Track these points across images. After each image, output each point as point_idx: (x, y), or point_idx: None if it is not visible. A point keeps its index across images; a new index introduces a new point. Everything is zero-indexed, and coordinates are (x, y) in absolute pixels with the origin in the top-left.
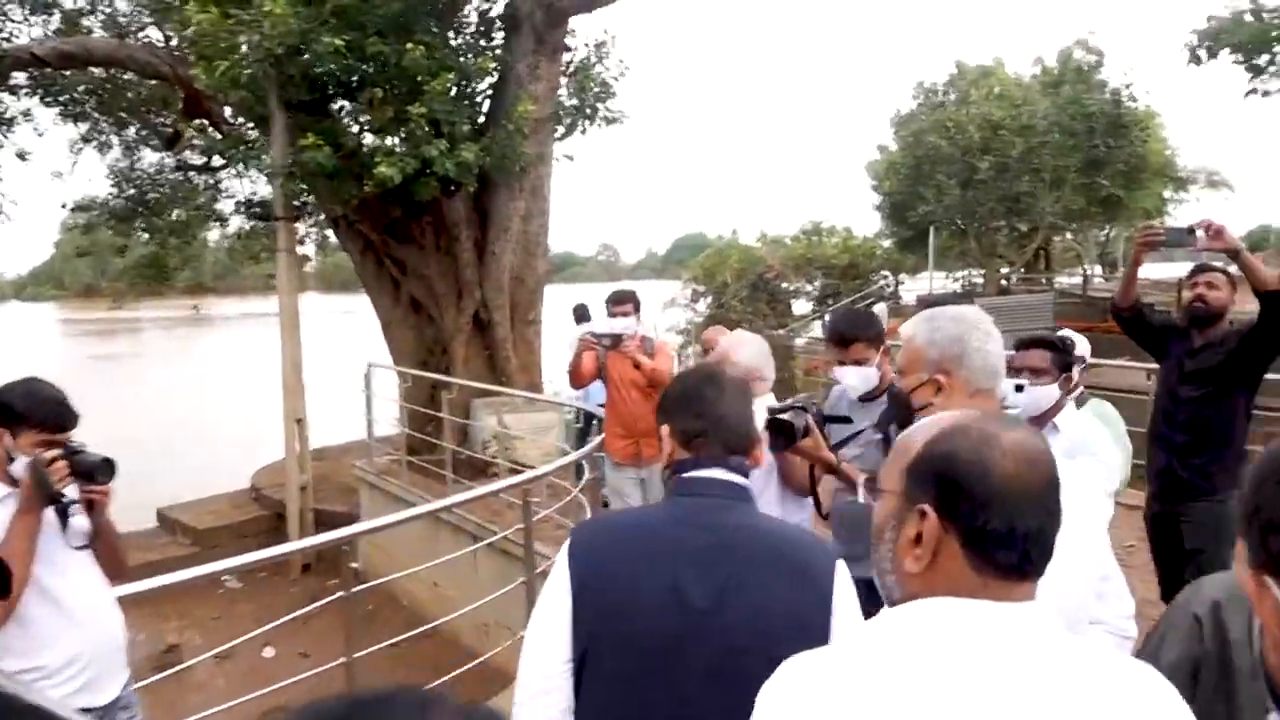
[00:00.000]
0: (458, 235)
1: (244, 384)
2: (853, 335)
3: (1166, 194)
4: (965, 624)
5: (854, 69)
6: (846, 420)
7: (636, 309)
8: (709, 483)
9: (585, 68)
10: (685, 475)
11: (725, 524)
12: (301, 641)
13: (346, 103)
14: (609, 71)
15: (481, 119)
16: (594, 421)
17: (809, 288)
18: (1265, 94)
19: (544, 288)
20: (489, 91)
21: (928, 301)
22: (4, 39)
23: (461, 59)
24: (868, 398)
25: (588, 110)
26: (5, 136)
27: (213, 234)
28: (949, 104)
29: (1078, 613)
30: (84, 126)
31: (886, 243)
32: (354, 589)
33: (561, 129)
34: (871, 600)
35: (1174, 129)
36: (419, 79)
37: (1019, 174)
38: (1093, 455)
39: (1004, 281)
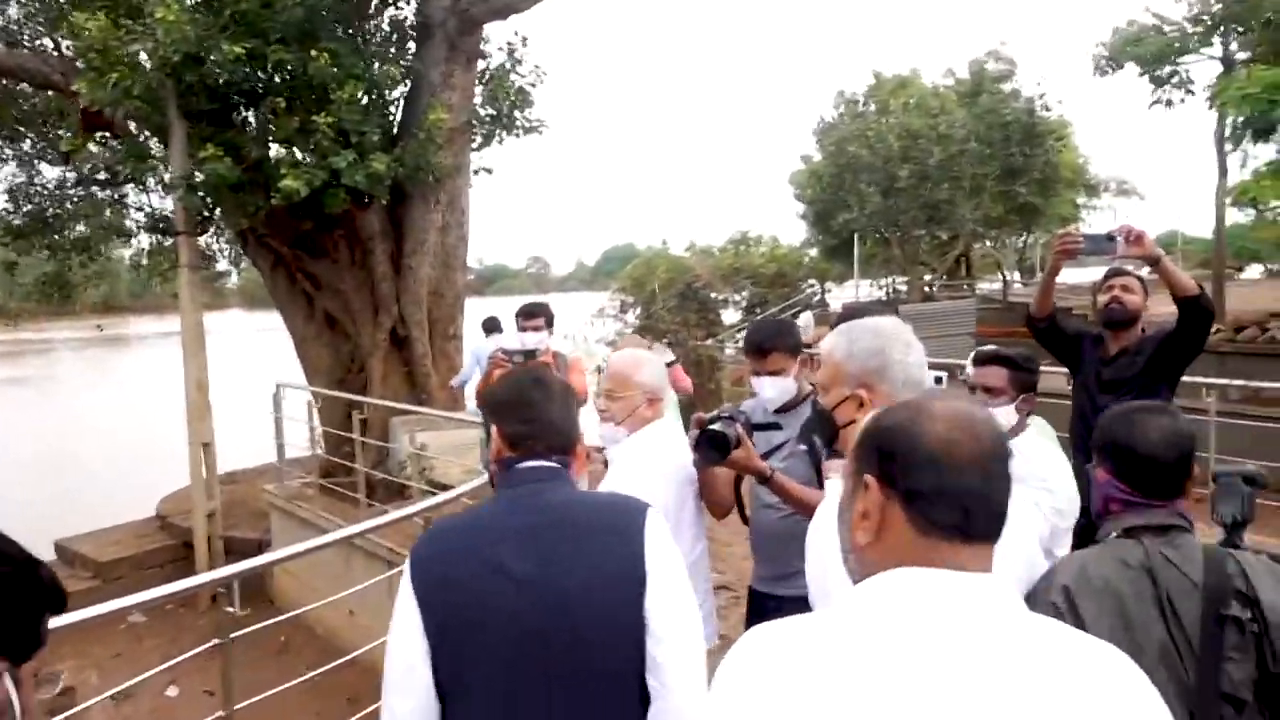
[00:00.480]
0: (372, 249)
1: (154, 406)
2: (769, 346)
3: (1080, 201)
4: (920, 597)
5: (779, 78)
6: (777, 427)
7: (549, 324)
8: (529, 470)
9: (500, 75)
10: (510, 470)
11: (546, 503)
12: (209, 679)
13: (250, 113)
14: (525, 79)
15: (395, 129)
16: None
17: (737, 297)
18: (1169, 104)
19: (464, 301)
20: (401, 101)
21: (851, 309)
22: None
23: (370, 67)
24: (786, 408)
25: (504, 119)
26: None
27: (127, 251)
28: (869, 114)
29: None
30: None
31: (813, 251)
32: (243, 627)
33: (479, 139)
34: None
35: (1085, 138)
36: (326, 88)
37: (939, 182)
38: (1043, 487)
39: (927, 289)
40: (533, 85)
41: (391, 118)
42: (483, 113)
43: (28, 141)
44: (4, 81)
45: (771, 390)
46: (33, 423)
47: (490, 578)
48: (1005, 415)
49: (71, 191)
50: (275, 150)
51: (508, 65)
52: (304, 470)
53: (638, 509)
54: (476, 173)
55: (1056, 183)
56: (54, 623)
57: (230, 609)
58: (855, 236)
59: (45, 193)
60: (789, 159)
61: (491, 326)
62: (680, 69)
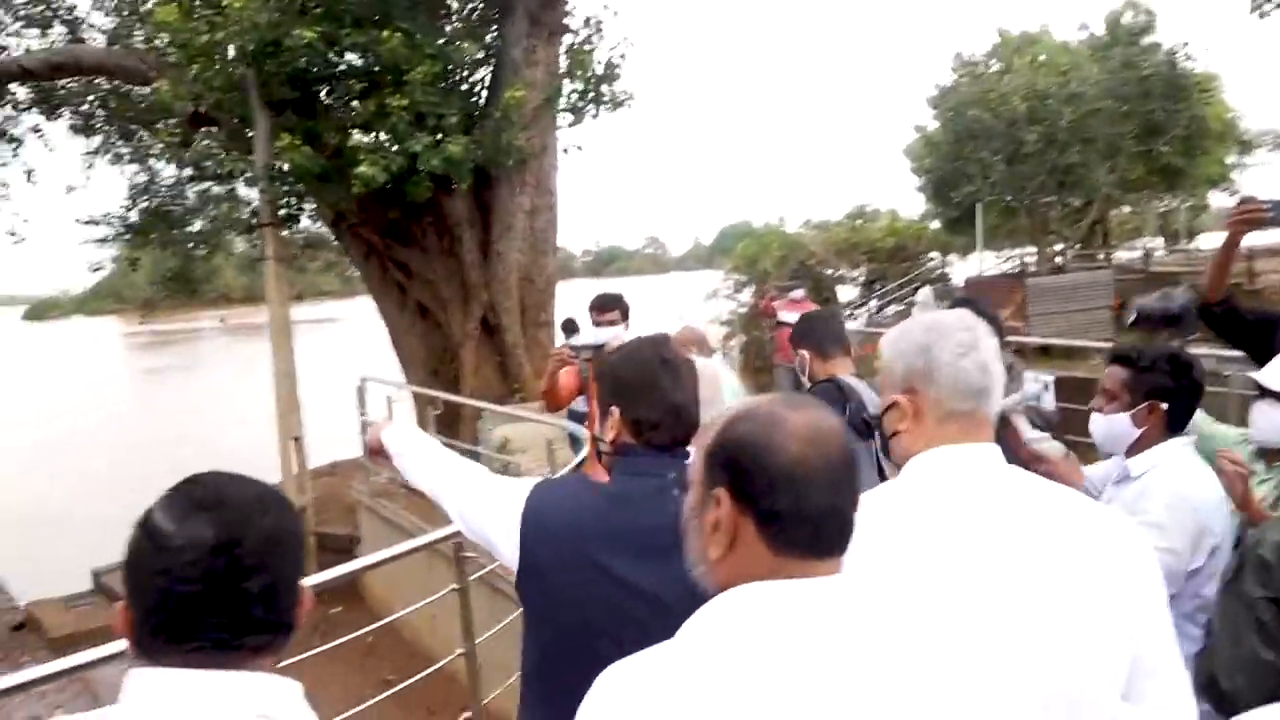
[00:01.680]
0: (460, 235)
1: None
2: (795, 338)
3: (1230, 159)
4: (771, 605)
5: (894, 46)
6: None
7: (624, 316)
8: (653, 462)
9: (582, 50)
10: (629, 457)
11: (667, 504)
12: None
13: (330, 100)
14: (613, 52)
15: (478, 111)
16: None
17: (854, 273)
18: None
19: (555, 286)
20: (484, 81)
21: (974, 283)
22: None
23: (447, 46)
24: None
25: (590, 94)
26: (14, 154)
27: (242, 244)
28: (990, 75)
29: (1090, 711)
30: (96, 140)
31: (934, 224)
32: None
33: (569, 116)
34: None
35: (1237, 89)
36: (400, 69)
37: (1069, 144)
38: (1151, 523)
39: (1059, 259)
40: (622, 58)
41: (475, 99)
42: (567, 88)
43: (144, 138)
44: (114, 81)
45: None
46: (170, 411)
47: (598, 582)
48: (1114, 426)
49: (187, 187)
50: (356, 137)
51: (592, 39)
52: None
53: None
54: (565, 151)
55: (1203, 140)
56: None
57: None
58: (978, 206)
59: (164, 189)
60: (905, 130)
61: (570, 329)
62: (796, 42)
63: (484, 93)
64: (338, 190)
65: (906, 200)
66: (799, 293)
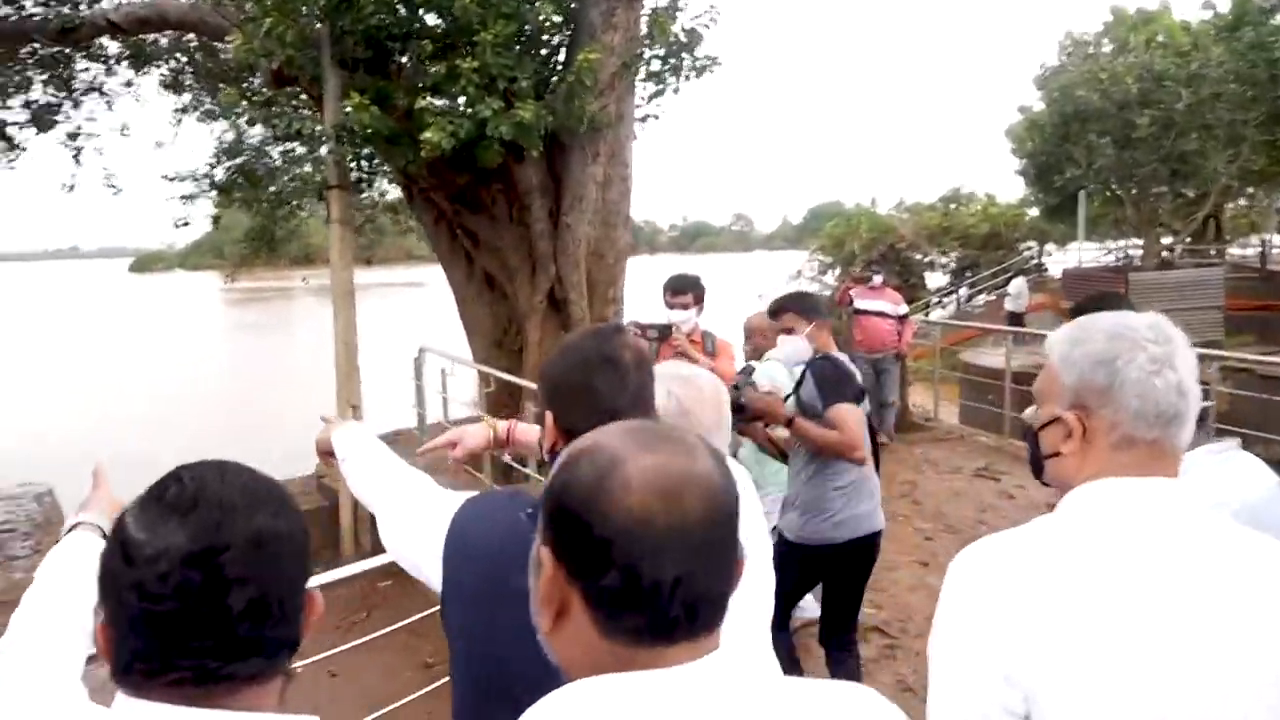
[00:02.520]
0: (530, 205)
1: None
2: (781, 307)
3: None
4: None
5: (1000, 22)
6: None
7: (698, 300)
8: None
9: (663, 15)
10: None
11: None
12: (335, 659)
13: (402, 59)
14: (698, 19)
15: (555, 76)
16: None
17: (945, 259)
18: None
19: (626, 262)
20: (560, 44)
21: (1074, 275)
22: (82, 5)
23: (522, 6)
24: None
25: (671, 61)
26: (110, 108)
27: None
28: (1102, 55)
29: None
30: (186, 96)
31: (1032, 211)
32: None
33: (650, 85)
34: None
35: None
36: (474, 29)
37: (1186, 130)
38: None
39: (1166, 253)
40: (707, 25)
41: (550, 63)
42: (647, 54)
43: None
44: (202, 36)
45: (786, 348)
46: (258, 367)
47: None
48: None
49: (271, 147)
50: (425, 100)
51: (677, 2)
52: None
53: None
54: (644, 121)
55: None
56: None
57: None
58: (1081, 194)
59: (251, 148)
60: (1007, 110)
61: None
62: (897, 13)
63: (560, 57)
64: (407, 154)
65: (1004, 184)
66: (878, 279)
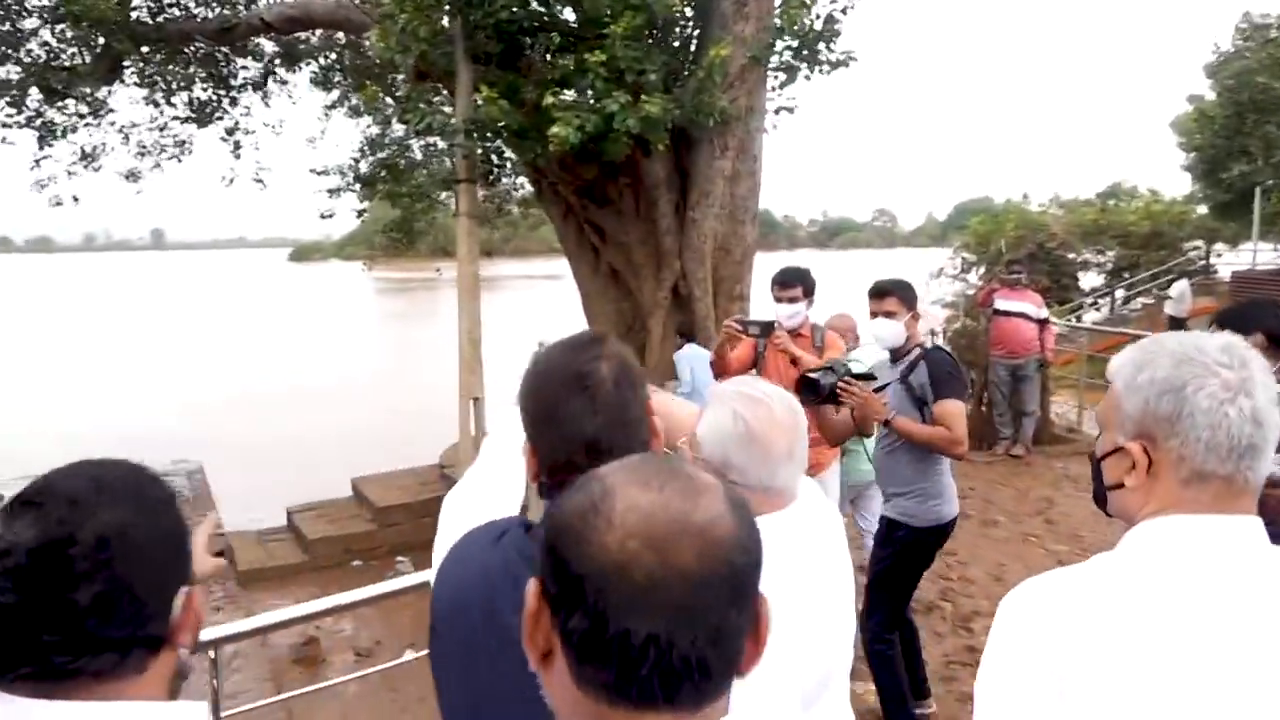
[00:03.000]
0: (656, 199)
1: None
2: (888, 289)
3: None
4: None
5: (1167, 5)
6: (872, 377)
7: (808, 294)
8: None
9: (796, 5)
10: (551, 500)
11: None
12: None
13: (533, 54)
14: (834, 5)
15: (684, 69)
16: None
17: (1101, 259)
18: None
19: (753, 258)
20: (690, 36)
21: (1243, 279)
22: (240, 6)
23: None
24: (895, 355)
25: (805, 53)
26: (265, 104)
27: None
28: None
29: None
30: (335, 93)
31: (1201, 208)
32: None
33: (780, 76)
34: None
35: None
36: (603, 21)
37: None
38: None
39: None
40: (843, 12)
41: (680, 55)
42: (780, 45)
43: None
44: (349, 35)
45: (886, 330)
46: (405, 356)
47: (501, 663)
48: None
49: (413, 141)
50: (553, 96)
51: None
52: None
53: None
54: (778, 112)
55: None
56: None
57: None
58: (1256, 190)
59: (394, 142)
60: (1173, 100)
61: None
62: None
63: (690, 49)
64: (535, 147)
65: (1169, 180)
66: (1020, 280)
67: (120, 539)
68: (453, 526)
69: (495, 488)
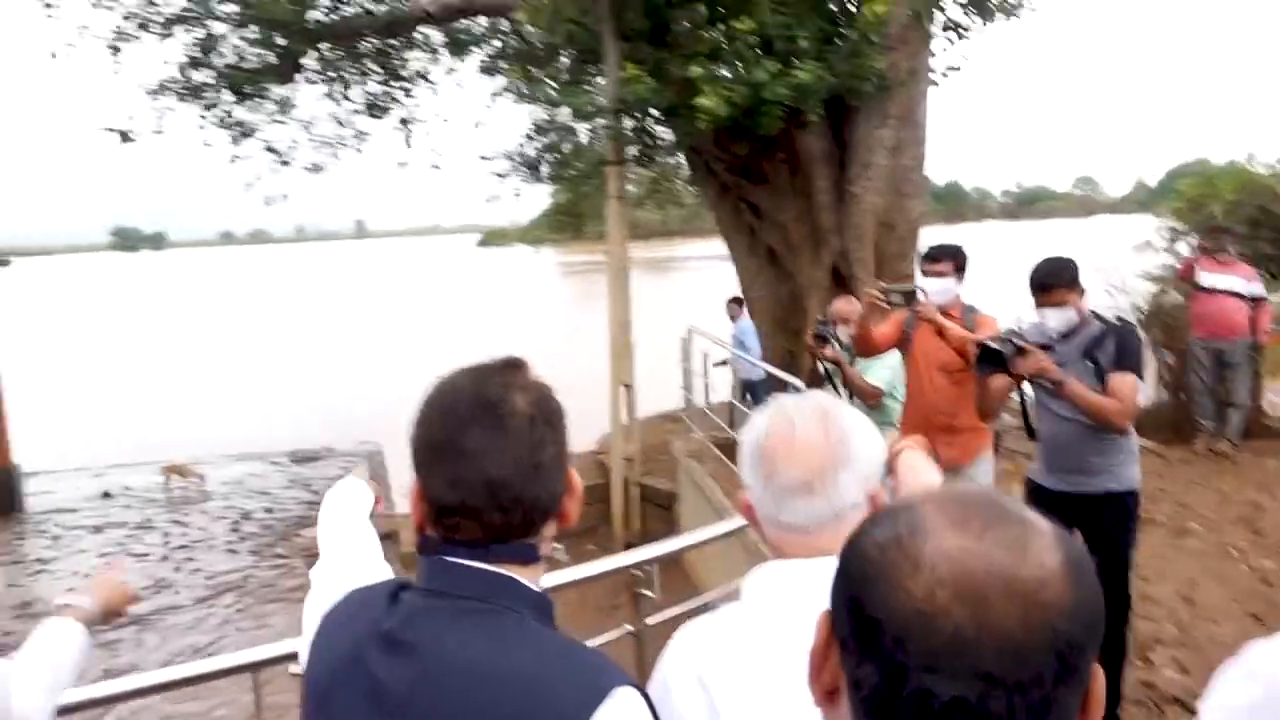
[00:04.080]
0: (812, 174)
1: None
2: (1051, 283)
3: None
4: None
5: None
6: (1049, 348)
7: (959, 270)
8: (452, 571)
9: None
10: (428, 557)
11: (442, 646)
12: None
13: (680, 28)
14: None
15: (842, 34)
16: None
17: None
18: None
19: (918, 233)
20: None
21: None
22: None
23: None
24: (1066, 334)
25: (973, 3)
26: (434, 93)
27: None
28: None
29: None
30: (501, 80)
31: None
32: (647, 619)
33: (950, 33)
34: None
35: None
36: None
37: None
38: None
39: None
40: None
41: (833, 19)
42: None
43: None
44: (514, 21)
45: (1054, 320)
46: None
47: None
48: None
49: (577, 125)
50: (699, 68)
51: None
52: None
53: (590, 691)
54: (945, 73)
55: None
56: None
57: (647, 592)
58: None
59: (561, 126)
60: None
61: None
62: None
63: (847, 11)
64: (684, 125)
65: None
66: (1227, 250)
67: None
68: (317, 600)
69: (357, 546)
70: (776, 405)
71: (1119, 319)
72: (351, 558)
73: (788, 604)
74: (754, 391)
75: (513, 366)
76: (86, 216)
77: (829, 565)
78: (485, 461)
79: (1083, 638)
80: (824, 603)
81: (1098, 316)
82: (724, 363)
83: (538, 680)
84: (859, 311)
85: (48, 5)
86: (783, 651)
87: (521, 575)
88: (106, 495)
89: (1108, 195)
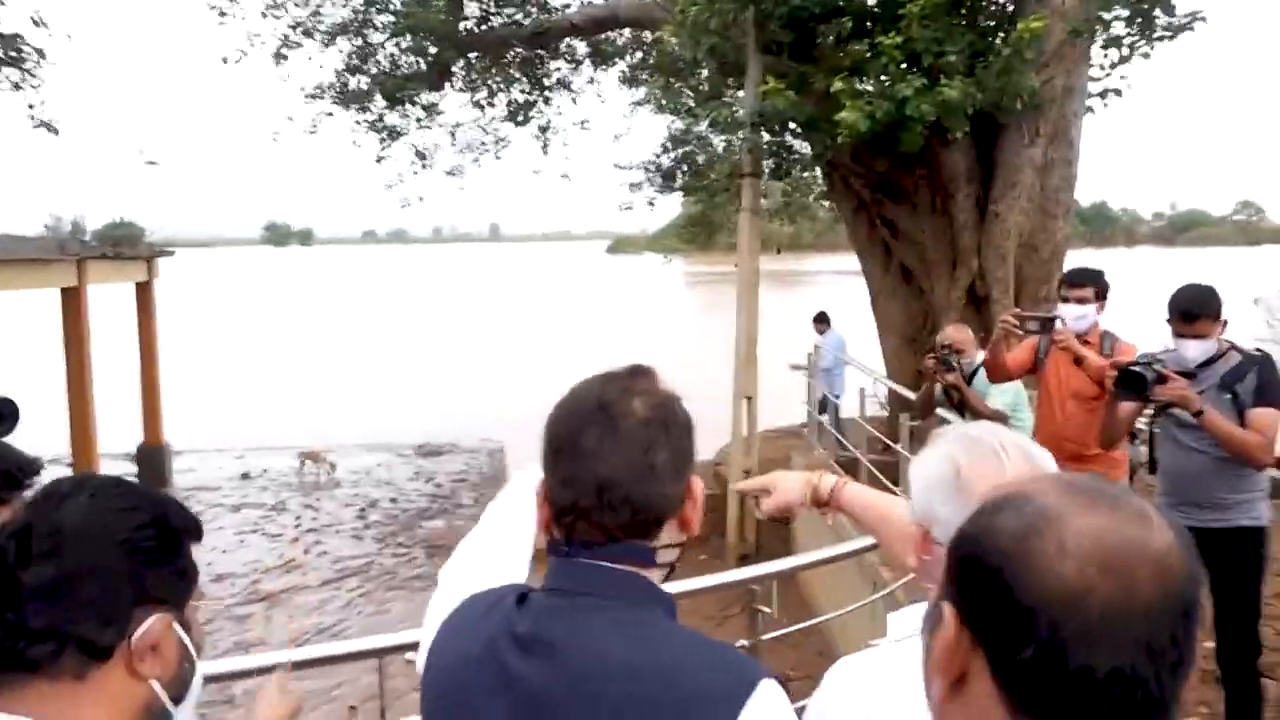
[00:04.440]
0: (954, 192)
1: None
2: (1197, 313)
3: None
4: None
5: None
6: (1191, 376)
7: (1100, 296)
8: (576, 570)
9: None
10: (556, 559)
11: (579, 645)
12: None
13: (824, 41)
14: None
15: (994, 49)
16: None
17: None
18: None
19: (1064, 257)
20: (1001, 11)
21: None
22: (553, 12)
23: None
24: (1203, 364)
25: (1138, 21)
26: (575, 103)
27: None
28: None
29: None
30: (641, 91)
31: None
32: (762, 635)
33: (1113, 52)
34: None
35: None
36: (899, 2)
37: None
38: None
39: None
40: None
41: (986, 35)
42: (1108, 17)
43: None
44: (656, 33)
45: (1195, 351)
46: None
47: None
48: None
49: (713, 137)
50: (841, 83)
51: None
52: (856, 439)
53: (736, 684)
54: (1104, 95)
55: None
56: None
57: (766, 609)
58: None
59: (696, 137)
60: None
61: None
62: None
63: (1002, 27)
64: (824, 139)
65: None
66: None
67: (77, 532)
68: (444, 599)
69: (496, 549)
70: (954, 438)
71: (1259, 350)
72: (483, 564)
73: None
74: (826, 406)
75: (638, 373)
76: (242, 213)
77: None
78: (595, 461)
79: (1199, 599)
80: None
81: (1235, 348)
82: (802, 367)
83: (685, 673)
84: (970, 340)
85: (221, 14)
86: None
87: (646, 575)
88: (245, 476)
89: (1272, 221)
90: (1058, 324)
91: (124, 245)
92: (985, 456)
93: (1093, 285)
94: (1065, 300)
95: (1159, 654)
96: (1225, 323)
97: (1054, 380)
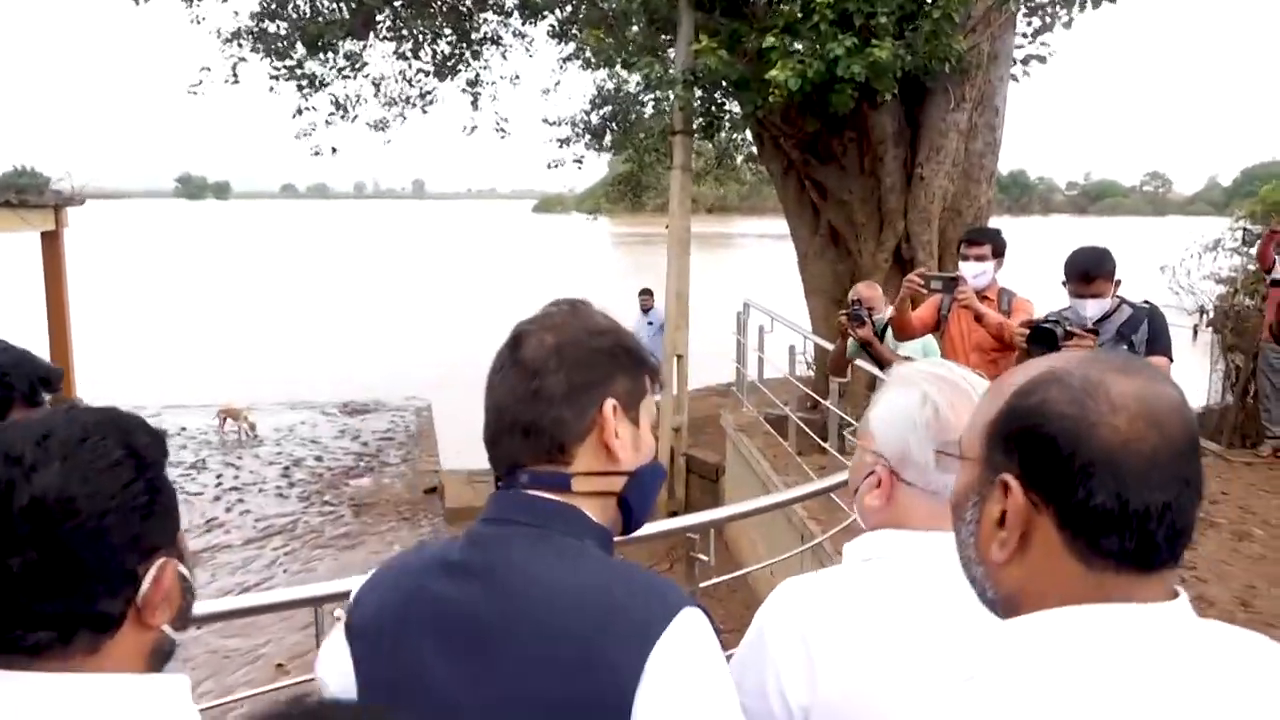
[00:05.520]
0: (882, 155)
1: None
2: (1095, 273)
3: None
4: (1099, 643)
5: None
6: (1095, 332)
7: (997, 254)
8: (504, 501)
9: None
10: (491, 494)
11: (504, 574)
12: None
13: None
14: None
15: (923, 12)
16: None
17: None
18: None
19: (988, 220)
20: None
21: None
22: None
23: None
24: (1100, 319)
25: None
26: (504, 58)
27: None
28: None
29: None
30: (570, 45)
31: None
32: (700, 583)
33: (1034, 21)
34: None
35: None
36: None
37: None
38: None
39: None
40: None
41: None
42: None
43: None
44: None
45: (1093, 309)
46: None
47: (410, 677)
48: None
49: (644, 95)
50: (772, 40)
51: None
52: (784, 396)
53: (661, 608)
54: (1027, 62)
55: None
56: None
57: (704, 557)
58: None
59: (627, 95)
60: None
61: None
62: None
63: None
64: (754, 98)
65: None
66: None
67: (68, 502)
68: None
69: None
70: (923, 378)
71: (1146, 302)
72: None
73: (908, 572)
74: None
75: (565, 305)
76: (154, 164)
77: (946, 540)
78: (491, 391)
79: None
80: (945, 574)
81: (1126, 301)
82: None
83: (611, 595)
84: (879, 297)
85: None
86: (894, 619)
87: (578, 506)
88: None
89: (1179, 192)
90: (960, 282)
91: (29, 193)
92: (961, 396)
93: (990, 243)
94: (965, 259)
95: (1192, 485)
96: (1119, 281)
97: (957, 335)
